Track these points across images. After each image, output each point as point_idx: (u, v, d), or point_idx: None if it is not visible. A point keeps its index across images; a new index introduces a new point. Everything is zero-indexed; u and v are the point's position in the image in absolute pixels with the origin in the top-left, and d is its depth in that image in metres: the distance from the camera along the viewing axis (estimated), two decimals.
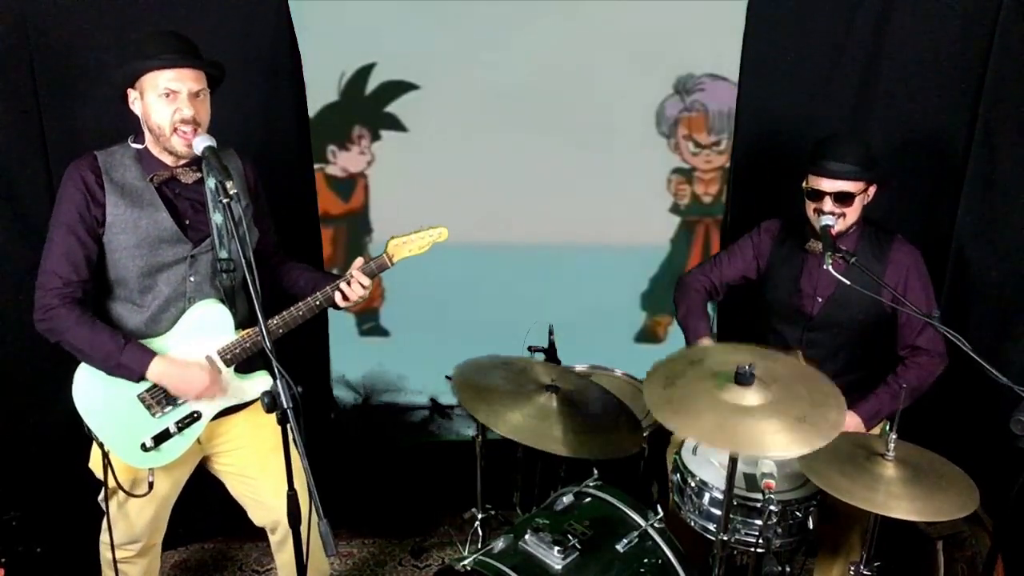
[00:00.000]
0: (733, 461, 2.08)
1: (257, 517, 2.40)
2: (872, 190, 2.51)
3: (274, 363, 1.75)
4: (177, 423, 2.19)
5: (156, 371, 2.12)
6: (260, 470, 2.30)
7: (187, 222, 2.19)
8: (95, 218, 2.11)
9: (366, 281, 2.29)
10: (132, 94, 2.12)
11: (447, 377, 3.21)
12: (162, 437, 2.18)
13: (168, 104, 2.07)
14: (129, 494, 2.22)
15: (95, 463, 2.22)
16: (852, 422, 2.48)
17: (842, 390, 2.52)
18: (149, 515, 2.32)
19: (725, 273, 2.77)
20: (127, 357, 2.10)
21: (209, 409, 2.23)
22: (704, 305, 2.75)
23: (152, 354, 2.13)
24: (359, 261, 2.31)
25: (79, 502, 2.52)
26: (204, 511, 2.93)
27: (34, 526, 2.76)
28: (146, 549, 2.40)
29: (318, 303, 2.26)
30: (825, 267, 2.28)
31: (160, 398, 2.18)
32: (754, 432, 1.92)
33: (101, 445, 2.17)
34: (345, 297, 2.28)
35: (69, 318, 2.08)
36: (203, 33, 2.20)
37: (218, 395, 2.20)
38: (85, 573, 2.53)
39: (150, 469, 2.21)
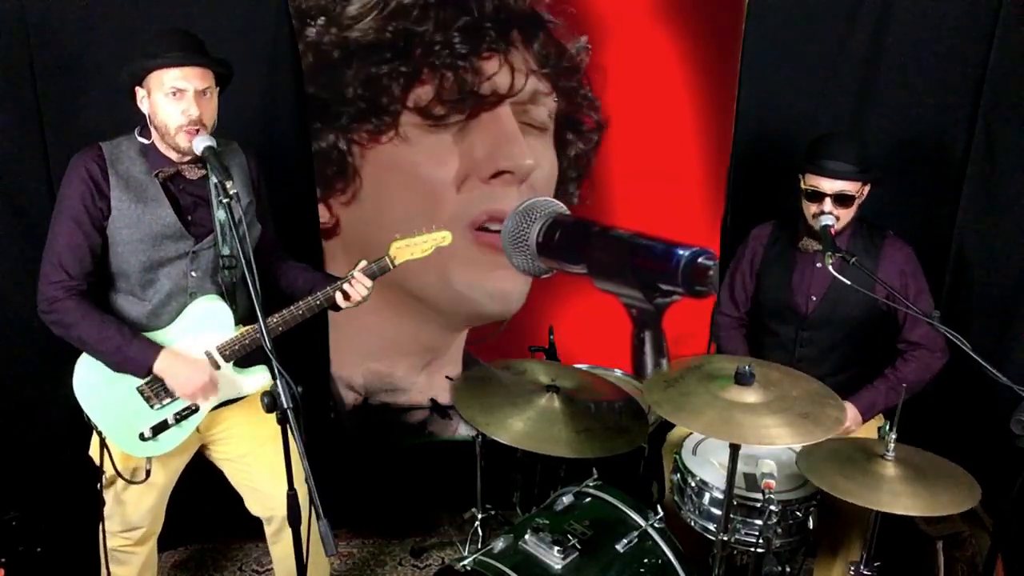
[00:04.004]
0: (733, 461, 2.08)
1: (254, 506, 2.41)
2: (867, 190, 2.51)
3: (274, 363, 1.76)
4: (175, 415, 2.21)
5: (161, 365, 2.13)
6: (257, 458, 2.31)
7: (189, 218, 2.20)
8: (100, 210, 2.12)
9: (368, 283, 2.31)
10: (140, 92, 2.13)
11: (447, 377, 3.23)
12: (160, 428, 2.20)
13: (174, 103, 2.07)
14: (128, 481, 2.23)
15: (95, 451, 2.23)
16: (849, 413, 2.48)
17: (837, 388, 2.54)
18: (148, 503, 2.33)
19: (740, 298, 2.79)
20: (134, 350, 2.11)
21: (207, 402, 2.25)
22: (745, 344, 2.79)
23: (159, 348, 2.14)
24: (362, 263, 2.33)
25: (79, 501, 2.52)
26: (204, 511, 2.93)
27: (34, 526, 2.76)
28: (145, 538, 2.41)
29: (318, 303, 2.27)
30: (822, 266, 2.29)
31: (159, 390, 2.19)
32: (757, 425, 1.95)
33: (100, 434, 2.18)
34: (347, 297, 2.30)
35: (76, 312, 2.10)
36: (203, 31, 2.20)
37: (211, 395, 2.21)
38: (85, 573, 2.53)
39: (148, 458, 2.23)
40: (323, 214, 3.14)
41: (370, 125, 3.04)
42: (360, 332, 3.27)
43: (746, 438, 1.94)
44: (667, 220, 3.14)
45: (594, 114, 3.06)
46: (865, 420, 2.53)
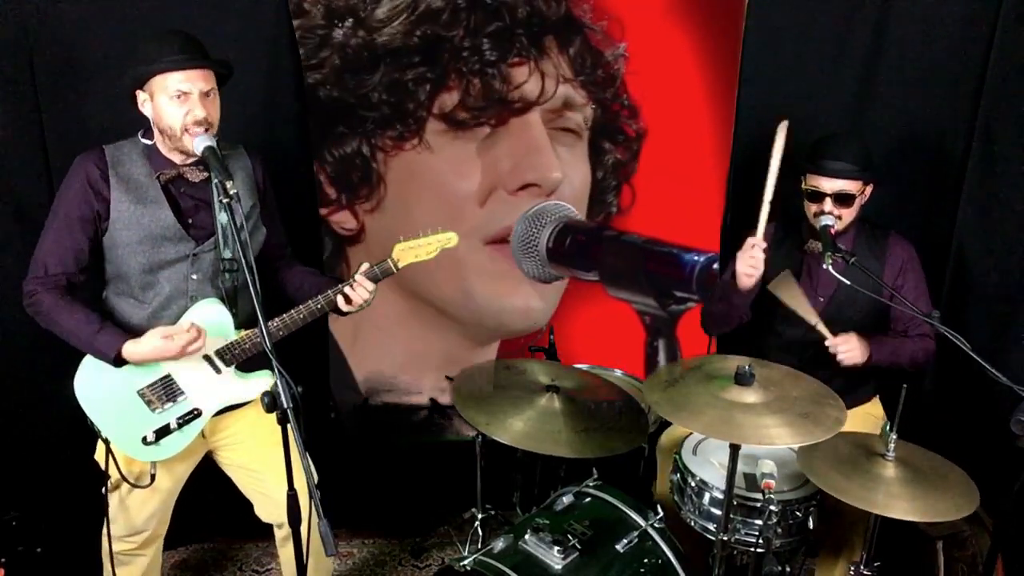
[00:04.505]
0: (733, 461, 2.08)
1: (263, 512, 2.41)
2: (869, 190, 2.51)
3: (274, 363, 1.76)
4: (178, 419, 2.20)
5: (130, 353, 2.12)
6: (265, 464, 2.29)
7: (190, 220, 2.20)
8: (97, 213, 2.12)
9: (370, 286, 2.29)
10: (141, 96, 2.12)
11: (447, 377, 3.23)
12: (163, 432, 2.19)
13: (180, 106, 2.07)
14: (133, 485, 2.23)
15: (100, 455, 2.23)
16: (856, 343, 2.44)
17: (843, 387, 2.53)
18: (152, 508, 2.32)
19: None
20: (100, 341, 2.11)
21: (210, 407, 2.24)
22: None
23: (125, 337, 2.12)
24: (364, 266, 2.31)
25: (79, 501, 2.52)
26: (204, 511, 2.93)
27: (34, 526, 2.76)
28: (149, 542, 2.40)
29: (319, 307, 2.26)
30: (825, 267, 2.29)
31: (160, 394, 2.19)
32: (757, 424, 1.96)
33: (104, 438, 2.18)
34: (348, 301, 2.28)
35: (50, 302, 2.12)
36: (203, 32, 2.20)
37: (198, 343, 2.16)
38: (85, 573, 2.53)
39: (152, 462, 2.22)
40: (348, 220, 3.11)
41: (394, 131, 3.00)
42: (386, 343, 3.25)
43: (746, 438, 1.95)
44: (679, 223, 3.12)
45: (633, 123, 3.02)
46: (872, 358, 2.46)
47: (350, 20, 2.85)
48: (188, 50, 2.09)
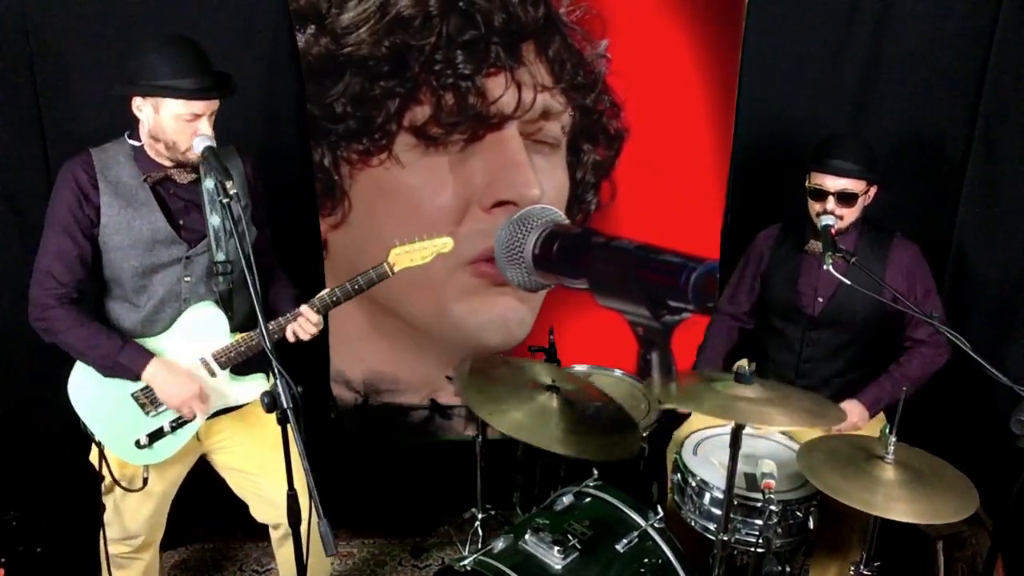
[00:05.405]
0: (733, 460, 2.08)
1: (259, 513, 2.40)
2: (872, 192, 2.51)
3: (274, 363, 1.75)
4: (171, 422, 2.20)
5: (150, 372, 2.12)
6: (260, 466, 2.29)
7: (181, 222, 2.18)
8: (88, 217, 2.10)
9: (315, 318, 2.21)
10: (139, 101, 2.07)
11: (447, 377, 3.23)
12: (156, 435, 2.19)
13: (188, 125, 2.05)
14: (125, 489, 2.22)
15: (95, 457, 2.22)
16: (855, 410, 2.49)
17: (844, 388, 2.53)
18: (147, 512, 2.32)
19: (741, 300, 2.78)
20: (125, 357, 2.10)
21: (200, 413, 2.23)
22: (730, 335, 2.79)
23: (149, 355, 2.13)
24: (323, 293, 2.24)
25: (79, 502, 2.52)
26: (204, 511, 2.93)
27: (34, 526, 2.76)
28: (145, 546, 2.40)
29: (277, 328, 2.21)
30: (826, 267, 2.29)
31: (153, 397, 2.18)
32: (759, 408, 2.02)
33: (97, 442, 2.18)
34: (295, 334, 2.21)
35: (67, 318, 2.09)
36: (203, 33, 2.19)
37: (200, 408, 2.18)
38: (85, 573, 2.53)
39: (144, 466, 2.22)
40: None
41: (361, 145, 2.87)
42: (355, 363, 3.21)
43: (752, 420, 2.00)
44: (678, 224, 3.06)
45: (615, 121, 2.94)
46: (872, 415, 2.53)
47: (312, 27, 2.71)
48: (203, 70, 2.03)
